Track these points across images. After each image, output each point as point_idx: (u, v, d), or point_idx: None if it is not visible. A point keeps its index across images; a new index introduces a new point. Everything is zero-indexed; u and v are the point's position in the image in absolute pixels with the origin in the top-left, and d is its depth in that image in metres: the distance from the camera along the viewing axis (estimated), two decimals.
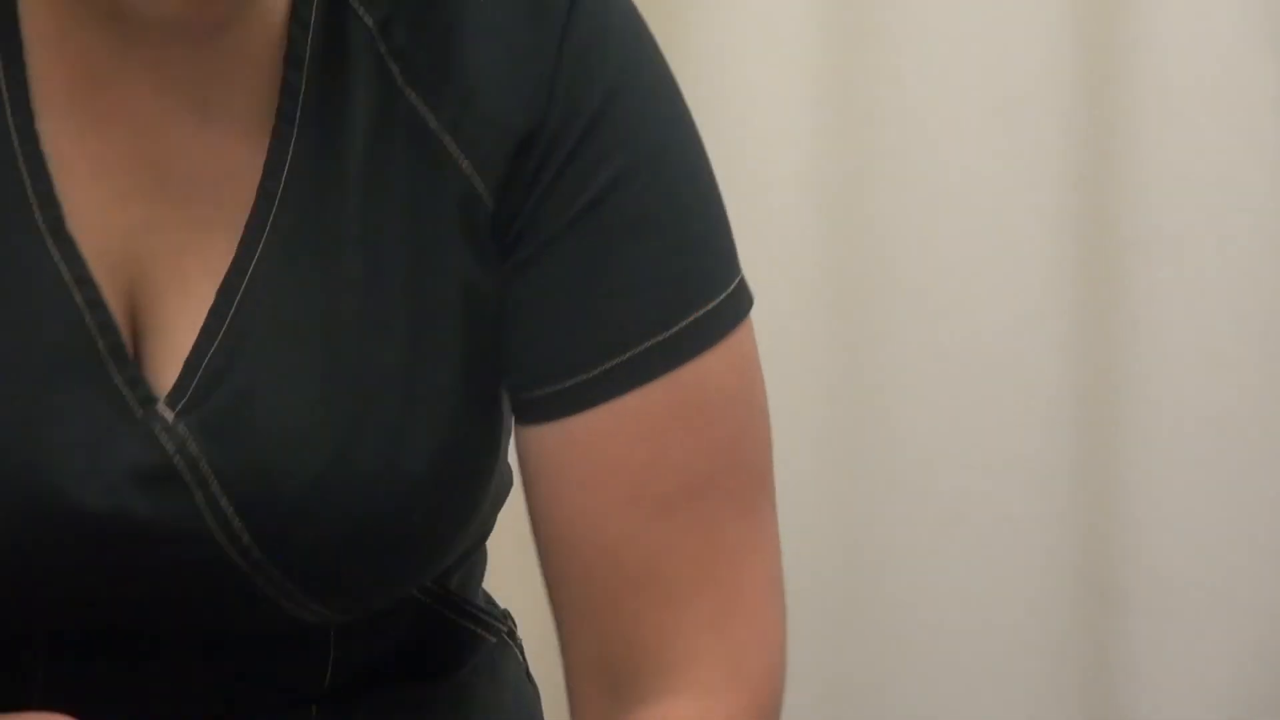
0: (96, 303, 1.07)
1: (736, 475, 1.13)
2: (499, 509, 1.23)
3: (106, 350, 1.07)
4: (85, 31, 1.08)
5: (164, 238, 1.10)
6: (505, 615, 1.27)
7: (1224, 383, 2.04)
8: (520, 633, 1.31)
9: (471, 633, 1.23)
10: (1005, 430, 2.06)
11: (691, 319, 1.11)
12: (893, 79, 2.02)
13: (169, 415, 1.07)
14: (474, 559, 1.24)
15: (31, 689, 1.12)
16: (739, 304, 1.12)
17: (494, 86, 1.09)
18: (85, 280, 1.07)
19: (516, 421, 1.14)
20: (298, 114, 1.09)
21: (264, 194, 1.09)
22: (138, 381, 1.07)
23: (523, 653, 1.32)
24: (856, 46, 2.03)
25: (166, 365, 1.09)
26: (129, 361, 1.07)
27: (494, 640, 1.25)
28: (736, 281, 1.12)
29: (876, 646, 2.11)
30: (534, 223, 1.10)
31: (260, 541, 1.08)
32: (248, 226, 1.09)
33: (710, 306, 1.12)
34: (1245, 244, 2.02)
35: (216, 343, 1.08)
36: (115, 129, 1.09)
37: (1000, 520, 2.07)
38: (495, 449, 1.15)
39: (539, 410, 1.11)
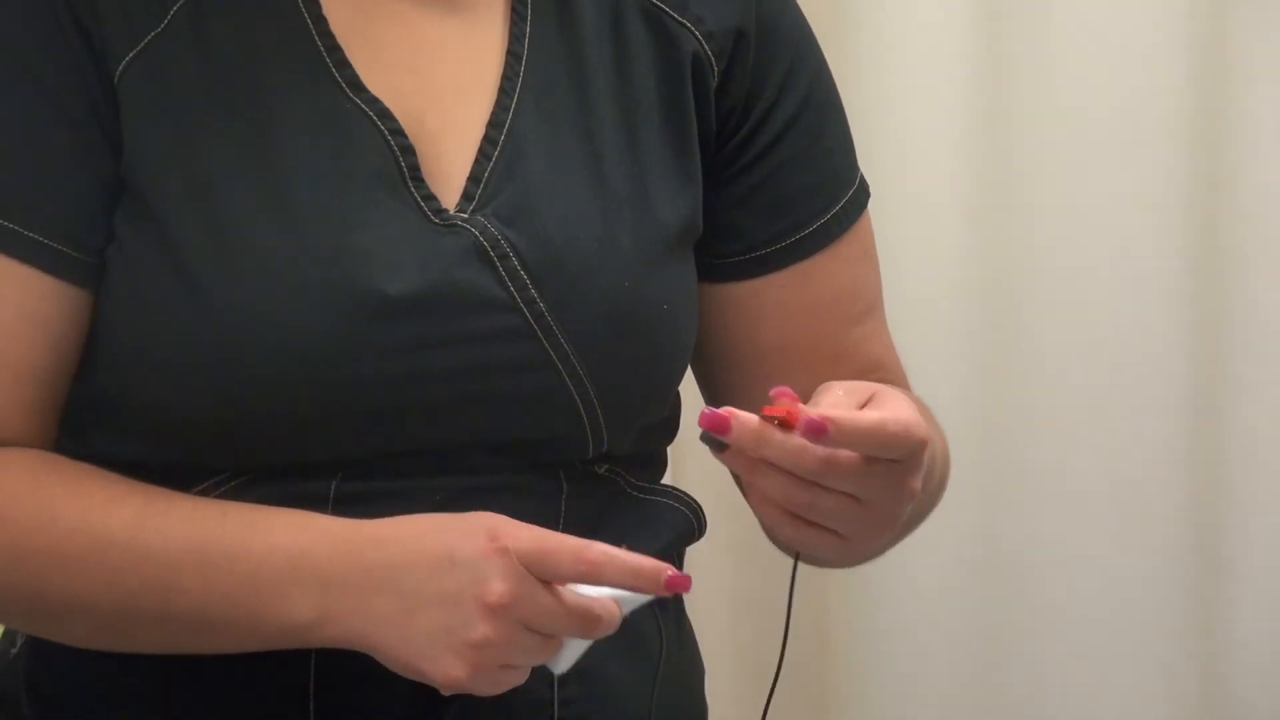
0: (398, 132, 1.27)
1: (880, 290, 1.44)
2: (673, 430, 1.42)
3: (407, 170, 1.26)
4: None
5: (429, 98, 1.30)
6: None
7: None
8: None
9: (672, 507, 1.40)
10: (1128, 416, 2.21)
11: (859, 175, 1.42)
12: (1033, 106, 2.20)
13: (464, 215, 1.27)
14: (662, 454, 1.41)
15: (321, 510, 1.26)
16: None
17: None
18: (387, 115, 1.27)
19: (740, 276, 1.39)
20: (528, 0, 1.33)
21: (510, 58, 1.30)
22: (430, 196, 1.26)
23: None
24: (1002, 75, 2.22)
25: (446, 186, 1.28)
26: (422, 181, 1.27)
27: (689, 515, 1.40)
28: None
29: (1016, 604, 2.28)
30: (764, 121, 1.36)
31: (550, 307, 1.26)
32: (502, 80, 1.30)
33: (859, 168, 1.42)
34: None
35: (493, 162, 1.28)
36: (378, 20, 1.29)
37: (1124, 498, 2.23)
38: (694, 284, 1.36)
39: (772, 261, 1.38)
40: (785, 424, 1.13)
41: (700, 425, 1.15)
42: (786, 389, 1.16)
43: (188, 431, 1.26)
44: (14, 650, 1.38)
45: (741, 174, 1.37)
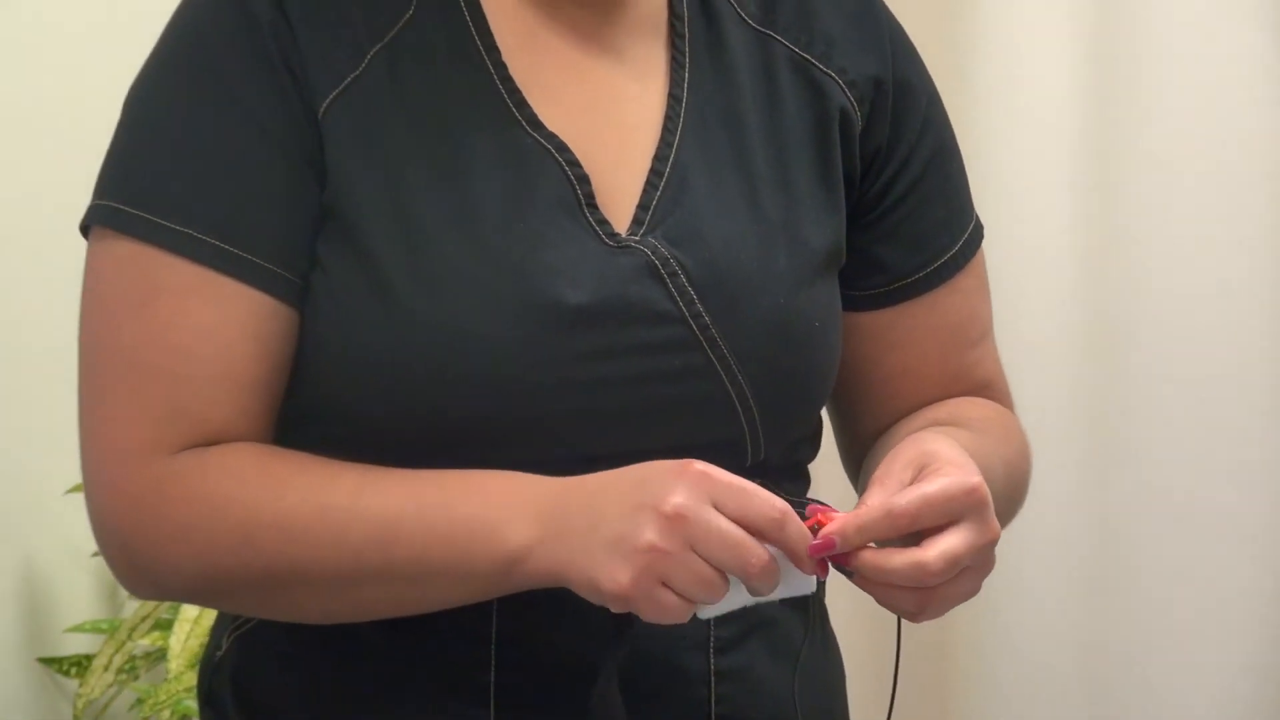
0: (574, 163, 1.34)
1: (991, 317, 1.52)
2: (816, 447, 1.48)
3: (583, 197, 1.34)
4: (517, 7, 1.37)
5: (600, 136, 1.37)
6: None
7: None
8: None
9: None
10: (1225, 441, 2.33)
11: (975, 214, 1.51)
12: (1136, 152, 2.33)
13: (635, 238, 1.34)
14: (807, 468, 1.46)
15: None
16: None
17: (848, 43, 1.44)
18: (563, 148, 1.35)
19: (878, 305, 1.46)
20: (686, 52, 1.40)
21: (672, 101, 1.39)
22: (604, 222, 1.34)
23: None
24: (1107, 120, 2.35)
25: (618, 212, 1.35)
26: (596, 207, 1.34)
27: None
28: None
29: (1121, 609, 2.38)
30: (903, 166, 1.45)
31: (714, 320, 1.33)
32: (665, 120, 1.38)
33: (975, 208, 1.52)
34: None
35: (660, 194, 1.36)
36: (553, 69, 1.38)
37: (1219, 515, 2.34)
38: (840, 307, 1.43)
39: (916, 287, 1.46)
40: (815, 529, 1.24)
41: (810, 555, 1.22)
42: (817, 506, 1.25)
43: (388, 437, 1.32)
44: (219, 652, 1.44)
45: (888, 211, 1.46)
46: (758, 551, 1.21)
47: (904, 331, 1.47)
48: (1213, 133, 2.29)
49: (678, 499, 1.20)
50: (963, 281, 1.48)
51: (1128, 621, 2.37)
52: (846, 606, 1.59)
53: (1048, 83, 2.36)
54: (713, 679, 1.37)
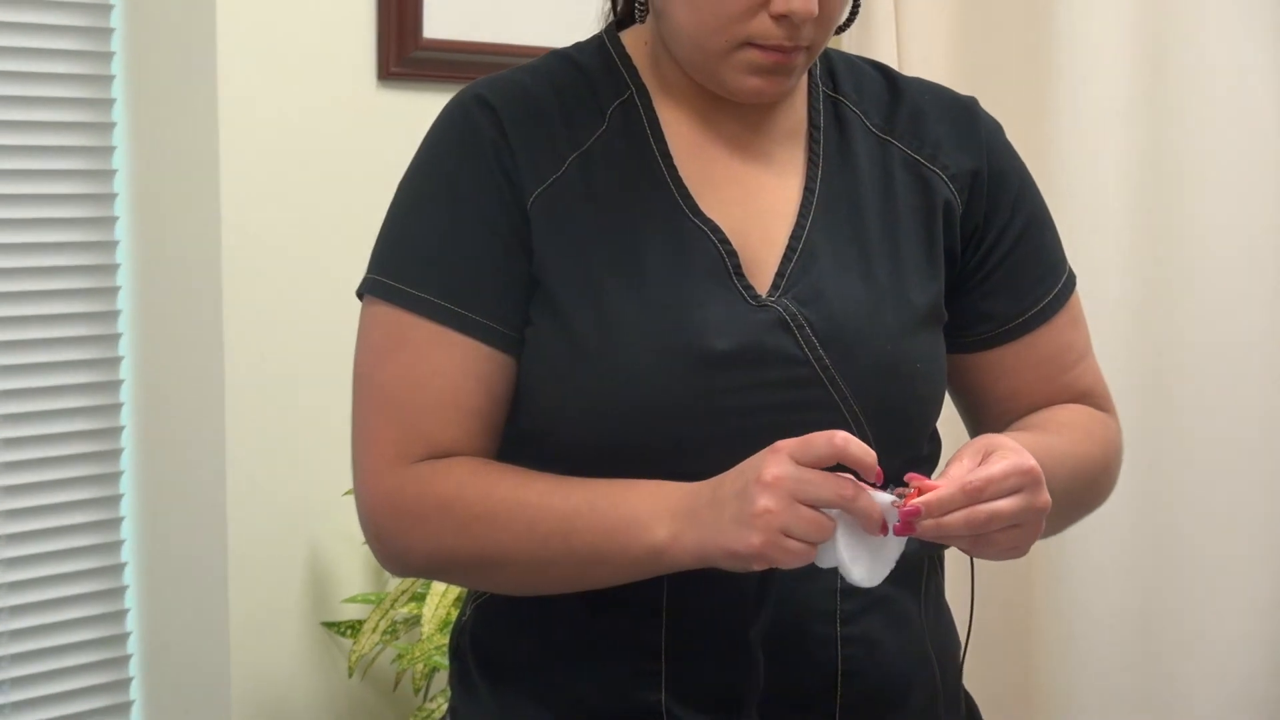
0: (725, 242, 1.49)
1: (1089, 341, 1.66)
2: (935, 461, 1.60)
3: (732, 269, 1.48)
4: (688, 124, 1.52)
5: (749, 221, 1.51)
6: None
7: None
8: None
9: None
10: (1250, 459, 2.54)
11: (1068, 266, 1.66)
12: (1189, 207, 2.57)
13: (772, 299, 1.48)
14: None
15: None
16: None
17: (951, 145, 1.59)
18: (717, 230, 1.49)
19: (988, 346, 1.60)
20: (820, 155, 1.55)
21: (806, 193, 1.53)
22: (749, 286, 1.48)
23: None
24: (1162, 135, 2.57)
25: (760, 279, 1.49)
26: (743, 275, 1.49)
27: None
28: None
29: (1166, 592, 2.58)
30: (999, 238, 1.60)
31: (834, 363, 1.46)
32: (800, 207, 1.52)
33: (1068, 261, 1.65)
34: None
35: (793, 265, 1.50)
36: (714, 170, 1.52)
37: (1239, 511, 2.53)
38: (942, 353, 1.55)
39: (1016, 331, 1.60)
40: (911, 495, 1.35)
41: (903, 518, 1.34)
42: (914, 475, 1.36)
43: (579, 455, 1.45)
44: (464, 618, 1.60)
45: (990, 274, 1.60)
46: (843, 481, 1.33)
47: (1010, 364, 1.62)
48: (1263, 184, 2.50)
49: (771, 469, 1.33)
50: (1058, 320, 1.62)
51: (1168, 602, 2.59)
52: (962, 587, 1.71)
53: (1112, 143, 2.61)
54: (839, 643, 1.50)
